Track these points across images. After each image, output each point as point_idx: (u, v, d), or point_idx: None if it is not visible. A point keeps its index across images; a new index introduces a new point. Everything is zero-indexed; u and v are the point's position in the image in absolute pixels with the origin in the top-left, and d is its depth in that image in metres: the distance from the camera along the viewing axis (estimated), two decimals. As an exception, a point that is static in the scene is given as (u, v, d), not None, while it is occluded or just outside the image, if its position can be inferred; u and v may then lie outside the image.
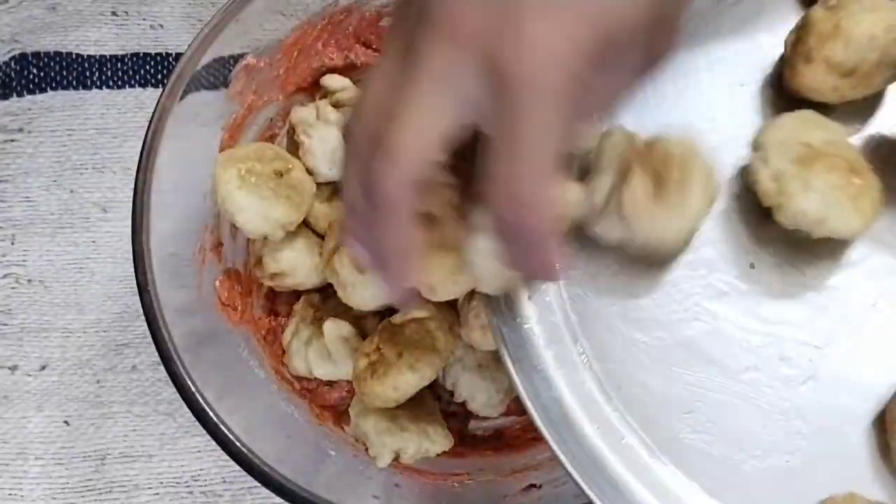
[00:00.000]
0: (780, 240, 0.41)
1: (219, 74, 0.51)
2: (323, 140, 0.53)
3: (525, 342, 0.41)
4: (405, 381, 0.47)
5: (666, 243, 0.40)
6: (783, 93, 0.43)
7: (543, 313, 0.41)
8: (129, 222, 0.48)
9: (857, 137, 0.43)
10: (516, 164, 0.32)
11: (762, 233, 0.41)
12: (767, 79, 0.44)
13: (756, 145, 0.40)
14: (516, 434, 0.56)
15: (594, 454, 0.39)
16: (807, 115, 0.41)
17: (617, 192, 0.39)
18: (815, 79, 0.41)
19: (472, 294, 0.50)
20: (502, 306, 0.41)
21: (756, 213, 0.41)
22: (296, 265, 0.53)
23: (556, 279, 0.40)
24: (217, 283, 0.53)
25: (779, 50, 0.43)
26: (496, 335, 0.40)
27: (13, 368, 0.61)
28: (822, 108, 0.42)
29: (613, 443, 0.39)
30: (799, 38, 0.41)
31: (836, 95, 0.41)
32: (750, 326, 0.40)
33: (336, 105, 0.54)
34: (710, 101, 0.43)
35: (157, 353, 0.47)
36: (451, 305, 0.52)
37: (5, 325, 0.61)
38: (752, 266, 0.41)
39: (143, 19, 0.66)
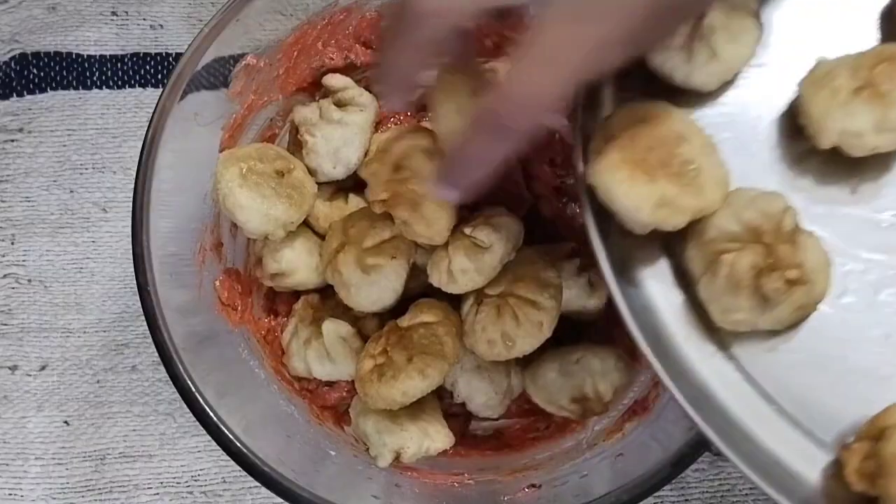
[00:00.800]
0: (880, 165, 0.41)
1: (219, 74, 0.51)
2: (326, 139, 0.52)
3: (617, 246, 0.41)
4: (414, 386, 0.47)
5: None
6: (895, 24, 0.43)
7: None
8: (129, 222, 0.48)
9: None
10: (526, 62, 0.32)
11: (860, 161, 0.41)
12: (882, 12, 0.43)
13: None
14: (516, 434, 0.56)
15: (684, 364, 0.40)
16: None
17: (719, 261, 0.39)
18: None
19: (477, 305, 0.50)
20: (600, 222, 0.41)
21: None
22: (296, 265, 0.53)
23: (462, 197, 0.39)
24: (217, 283, 0.53)
25: None
26: (590, 236, 0.40)
27: (13, 368, 0.61)
28: None
29: (704, 357, 0.40)
30: None
31: None
32: (847, 251, 0.40)
33: (338, 104, 0.54)
34: (824, 31, 0.43)
35: (157, 353, 0.47)
36: (459, 311, 0.52)
37: (5, 325, 0.61)
38: (852, 192, 0.41)
39: (143, 19, 0.66)
